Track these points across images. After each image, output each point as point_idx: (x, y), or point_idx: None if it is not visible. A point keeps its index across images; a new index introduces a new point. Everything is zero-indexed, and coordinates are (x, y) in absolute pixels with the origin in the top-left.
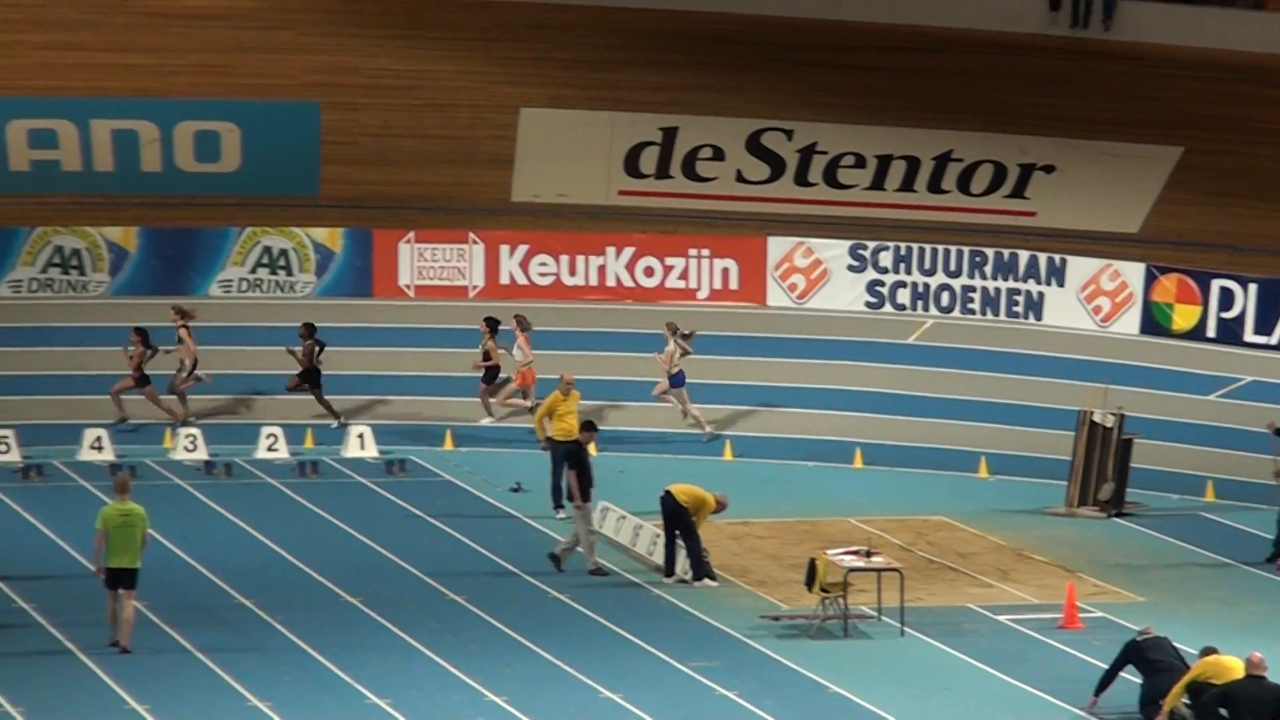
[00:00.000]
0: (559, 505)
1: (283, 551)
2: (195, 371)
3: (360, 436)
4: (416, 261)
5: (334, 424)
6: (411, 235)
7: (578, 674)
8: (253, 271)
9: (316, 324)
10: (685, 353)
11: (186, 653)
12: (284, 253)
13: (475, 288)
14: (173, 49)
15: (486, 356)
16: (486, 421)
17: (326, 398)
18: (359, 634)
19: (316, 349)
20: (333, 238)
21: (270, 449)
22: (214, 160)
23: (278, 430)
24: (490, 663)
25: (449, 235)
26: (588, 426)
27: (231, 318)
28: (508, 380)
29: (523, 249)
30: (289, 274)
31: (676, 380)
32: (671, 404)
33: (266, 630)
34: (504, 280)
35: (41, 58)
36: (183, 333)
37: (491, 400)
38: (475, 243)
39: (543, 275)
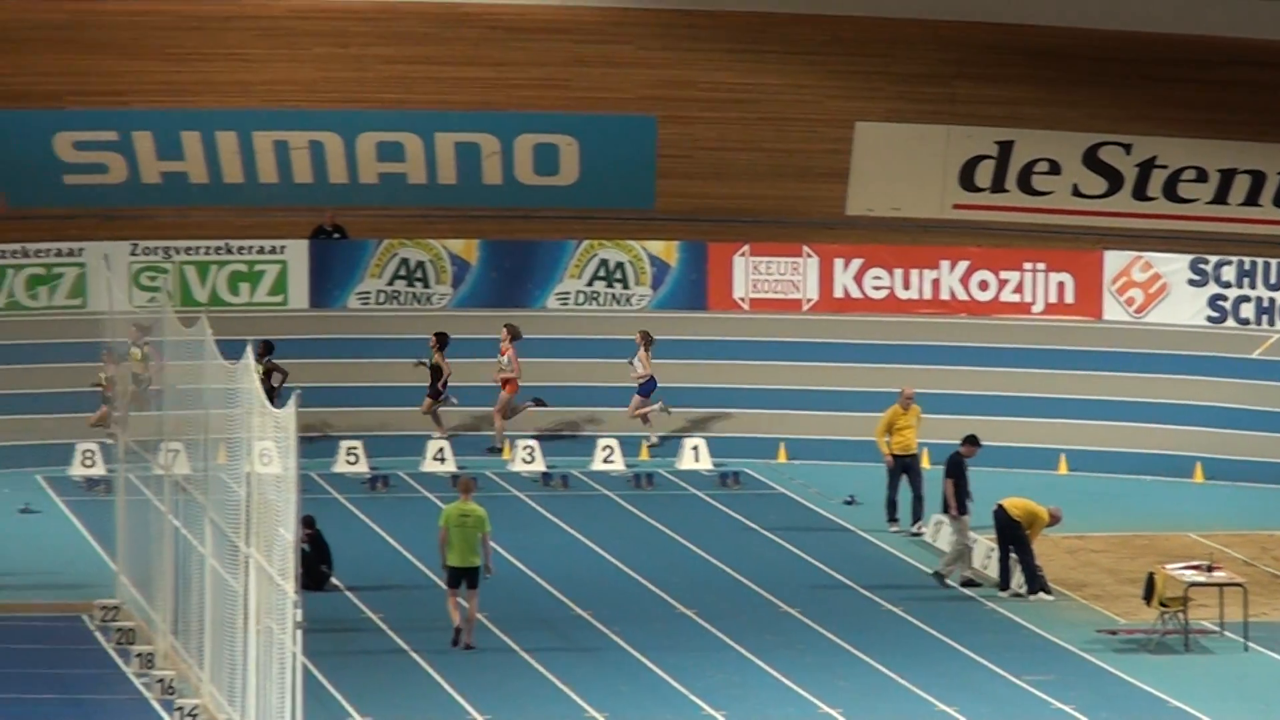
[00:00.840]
0: (893, 519)
1: (618, 563)
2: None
3: (695, 449)
4: (751, 274)
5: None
6: (746, 248)
7: (912, 686)
8: (589, 284)
9: (654, 335)
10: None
11: (525, 662)
12: (620, 265)
13: (809, 301)
14: (514, 62)
15: (437, 370)
16: (437, 434)
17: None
18: (694, 645)
19: (275, 373)
20: (668, 251)
21: (606, 461)
22: (553, 173)
23: (613, 442)
24: (824, 675)
25: (783, 248)
26: (971, 440)
27: (568, 330)
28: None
29: (857, 262)
30: (625, 287)
31: (646, 388)
32: (636, 410)
33: (603, 641)
34: (838, 294)
35: (390, 71)
36: (147, 349)
37: (440, 410)
38: (809, 256)
39: (876, 289)
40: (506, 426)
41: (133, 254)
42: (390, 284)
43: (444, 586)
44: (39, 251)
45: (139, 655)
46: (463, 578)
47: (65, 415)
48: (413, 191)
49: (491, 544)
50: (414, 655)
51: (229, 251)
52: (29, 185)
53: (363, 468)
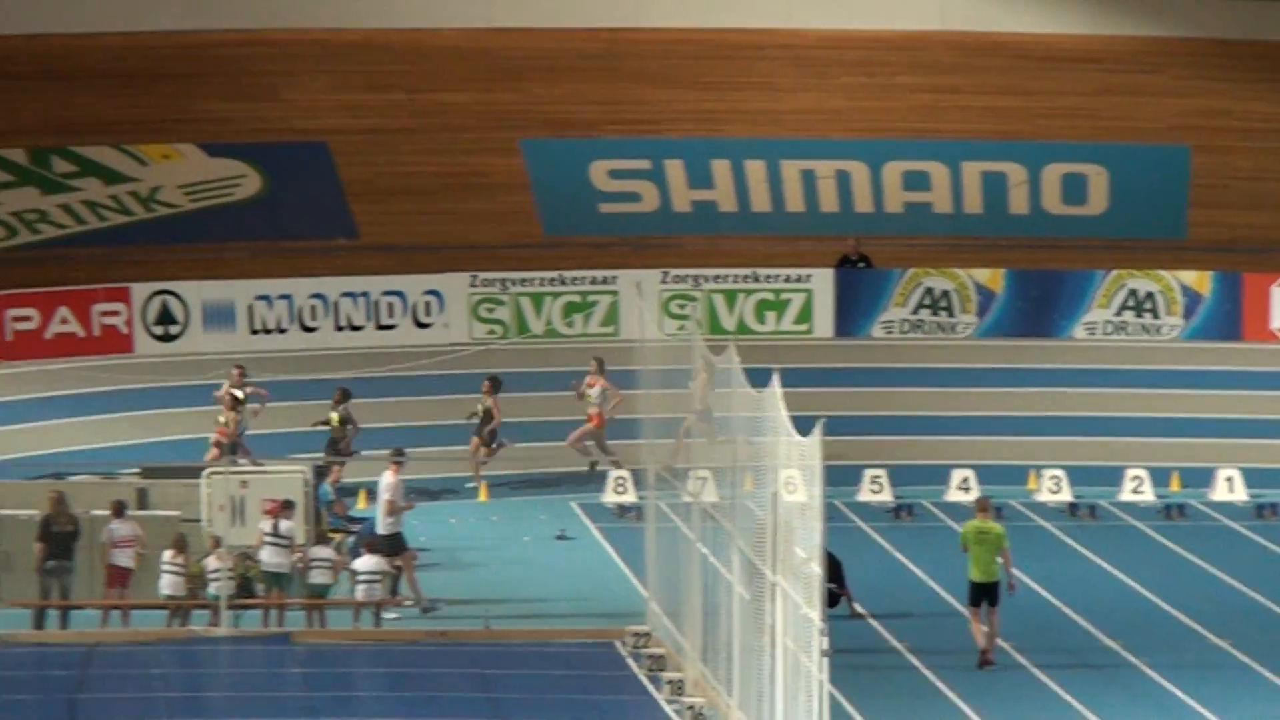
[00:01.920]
0: None
1: (1147, 593)
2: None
3: (1229, 480)
4: None
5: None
6: None
7: None
8: (1117, 314)
9: (1182, 368)
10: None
11: (1053, 692)
12: (1150, 295)
13: None
14: (1043, 91)
15: (488, 414)
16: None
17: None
18: (1228, 677)
19: (349, 424)
20: (1201, 281)
21: (1135, 491)
22: (1081, 203)
23: (1143, 472)
24: None
25: None
26: None
27: (1095, 360)
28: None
29: None
30: (1155, 317)
31: (704, 417)
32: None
33: (1131, 670)
34: None
35: (916, 100)
36: (250, 390)
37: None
38: None
39: None
40: (586, 450)
41: (663, 282)
42: (915, 313)
43: (965, 614)
44: (575, 279)
45: (669, 682)
46: (984, 594)
47: (611, 442)
48: (938, 220)
49: (1014, 570)
50: (939, 683)
51: (756, 280)
52: (567, 213)
53: (886, 496)
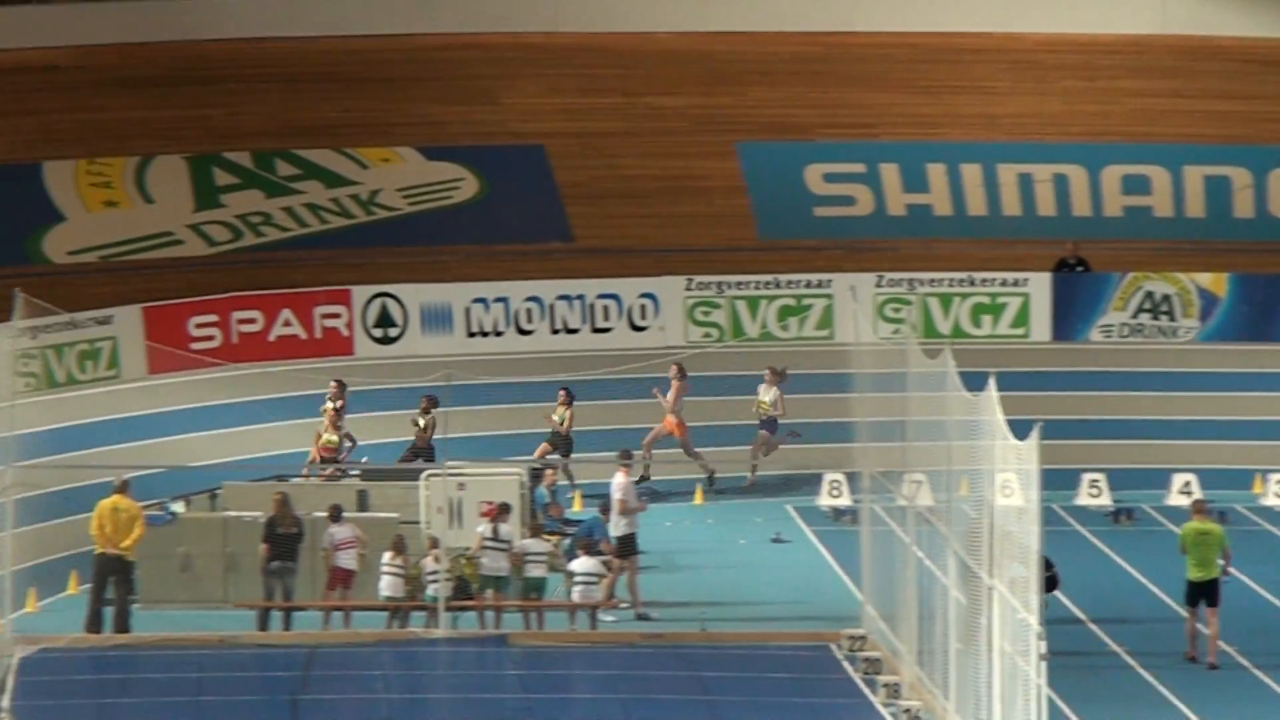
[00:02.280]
0: None
1: None
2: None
3: None
4: None
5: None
6: None
7: None
8: None
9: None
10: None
11: (1276, 695)
12: None
13: None
14: (1267, 96)
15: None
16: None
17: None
18: None
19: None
20: None
21: None
22: None
23: None
24: None
25: None
26: None
27: None
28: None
29: None
30: None
31: (769, 425)
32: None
33: None
34: None
35: (1137, 104)
36: (341, 404)
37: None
38: None
39: None
40: (702, 458)
41: (877, 286)
42: (1134, 317)
43: (1183, 613)
44: (789, 283)
45: (885, 685)
46: (1201, 593)
47: (818, 446)
48: (1158, 224)
49: (1232, 569)
50: (1158, 685)
51: (972, 284)
52: (780, 217)
53: (1105, 500)
